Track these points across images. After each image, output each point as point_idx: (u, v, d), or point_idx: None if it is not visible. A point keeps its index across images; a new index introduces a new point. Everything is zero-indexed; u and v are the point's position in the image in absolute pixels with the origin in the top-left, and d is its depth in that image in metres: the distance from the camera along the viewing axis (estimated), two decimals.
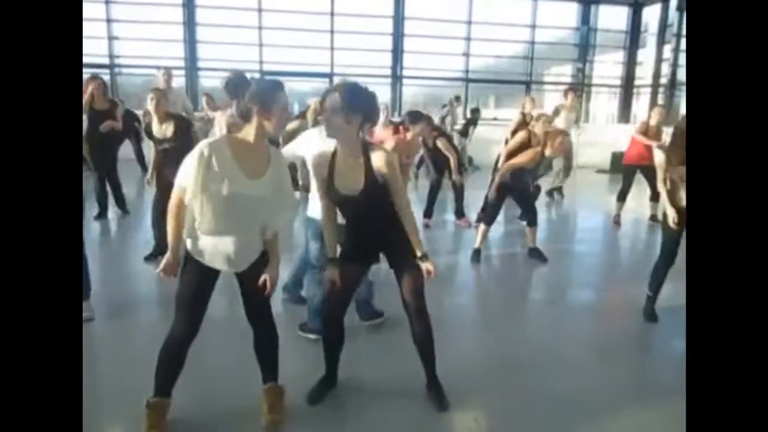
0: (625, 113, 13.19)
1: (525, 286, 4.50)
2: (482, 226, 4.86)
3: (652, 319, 3.56)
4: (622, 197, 6.41)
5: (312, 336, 3.03)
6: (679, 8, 11.69)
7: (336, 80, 11.56)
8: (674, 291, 3.67)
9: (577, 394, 2.66)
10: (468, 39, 12.22)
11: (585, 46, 12.94)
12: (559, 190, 7.99)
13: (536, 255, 4.86)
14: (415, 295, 2.41)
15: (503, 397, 2.63)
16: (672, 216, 3.28)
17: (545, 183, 7.90)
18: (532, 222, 4.89)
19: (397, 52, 12.03)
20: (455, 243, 5.70)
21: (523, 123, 6.76)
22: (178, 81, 11.81)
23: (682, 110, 11.99)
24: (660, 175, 3.26)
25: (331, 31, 11.50)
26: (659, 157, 3.67)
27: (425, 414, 2.44)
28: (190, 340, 2.17)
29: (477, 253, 4.78)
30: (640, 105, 13.07)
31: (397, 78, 12.09)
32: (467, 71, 12.51)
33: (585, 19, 12.80)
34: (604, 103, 15.13)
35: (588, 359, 3.10)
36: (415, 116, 4.21)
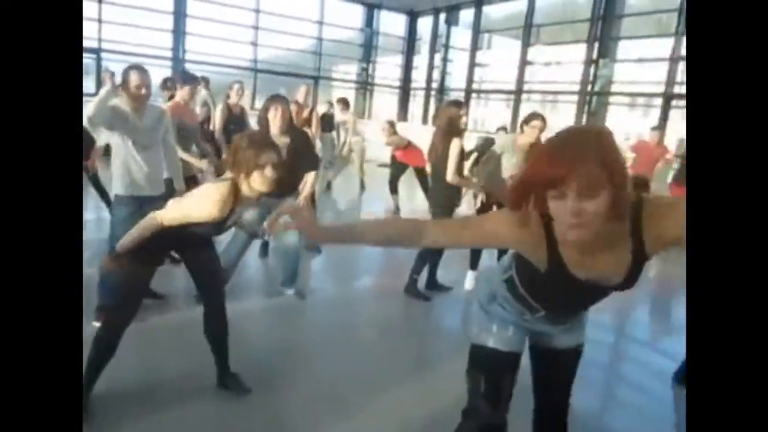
0: (403, 112, 14.39)
1: (309, 276, 4.59)
2: None
3: (419, 297, 3.95)
4: (394, 189, 7.08)
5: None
6: (447, 22, 13.16)
7: (104, 57, 10.29)
8: (448, 271, 4.13)
9: (363, 374, 2.81)
10: (256, 28, 11.98)
11: (369, 47, 13.74)
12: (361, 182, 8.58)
13: (312, 246, 4.97)
14: (217, 286, 2.38)
15: (294, 385, 2.64)
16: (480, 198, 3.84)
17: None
18: None
19: (179, 32, 11.20)
20: None
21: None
22: None
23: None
24: (451, 167, 3.70)
25: (99, 1, 10.18)
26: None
27: (215, 411, 2.34)
28: None
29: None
30: (417, 105, 14.40)
31: (178, 60, 11.25)
32: (256, 61, 12.26)
33: (369, 21, 13.59)
34: (386, 102, 16.29)
35: (372, 341, 3.32)
36: (186, 77, 4.30)
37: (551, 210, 1.12)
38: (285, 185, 3.38)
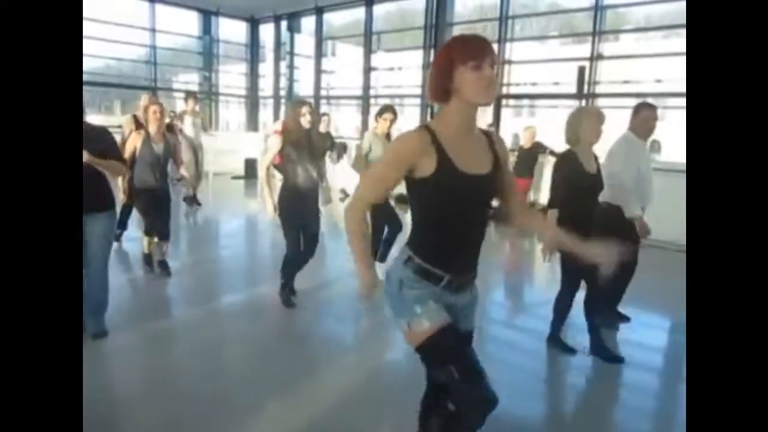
0: (252, 122, 14.01)
1: (176, 297, 4.27)
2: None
3: (289, 305, 3.90)
4: None
5: None
6: (289, 29, 13.08)
7: None
8: (309, 278, 4.09)
9: (232, 393, 2.68)
10: None
11: (209, 56, 13.15)
12: (194, 198, 7.89)
13: (164, 267, 4.62)
14: None
15: (163, 410, 2.43)
16: (269, 207, 3.80)
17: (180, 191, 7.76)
18: (163, 236, 4.57)
19: None
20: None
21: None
22: None
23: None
24: (263, 161, 3.84)
25: None
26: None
27: None
28: None
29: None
30: (268, 114, 14.10)
31: None
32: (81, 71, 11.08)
33: (206, 28, 12.99)
34: (234, 112, 15.71)
35: (245, 358, 3.17)
36: None
37: (467, 82, 1.44)
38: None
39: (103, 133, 3.17)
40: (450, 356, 1.56)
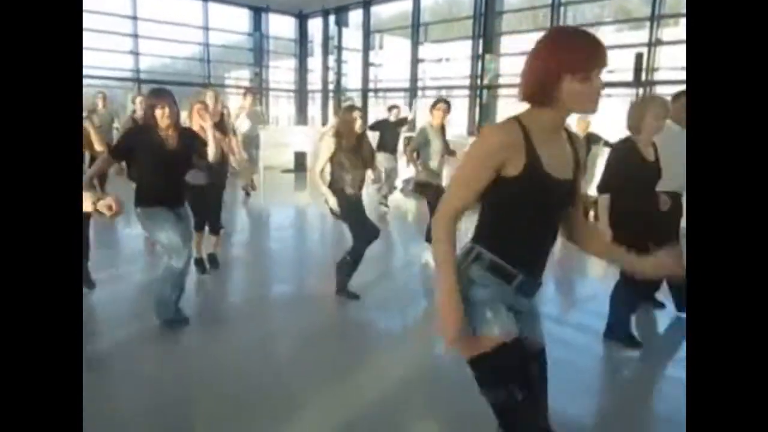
0: (302, 116, 14.22)
1: (226, 289, 4.40)
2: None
3: (352, 297, 3.93)
4: None
5: None
6: (337, 23, 13.16)
7: None
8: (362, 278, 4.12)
9: (280, 387, 2.73)
10: (135, 36, 11.25)
11: (260, 51, 13.41)
12: (246, 189, 8.18)
13: (213, 260, 4.64)
14: None
15: (208, 403, 2.51)
16: (331, 201, 3.77)
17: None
18: (212, 230, 4.60)
19: None
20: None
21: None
22: None
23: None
24: (318, 163, 3.85)
25: None
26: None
27: None
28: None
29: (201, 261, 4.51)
30: (316, 108, 14.27)
31: None
32: (138, 71, 11.52)
33: (257, 25, 13.25)
34: (284, 106, 15.98)
35: (292, 351, 3.23)
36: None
37: (573, 93, 1.28)
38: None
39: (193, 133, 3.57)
40: (513, 374, 1.38)
